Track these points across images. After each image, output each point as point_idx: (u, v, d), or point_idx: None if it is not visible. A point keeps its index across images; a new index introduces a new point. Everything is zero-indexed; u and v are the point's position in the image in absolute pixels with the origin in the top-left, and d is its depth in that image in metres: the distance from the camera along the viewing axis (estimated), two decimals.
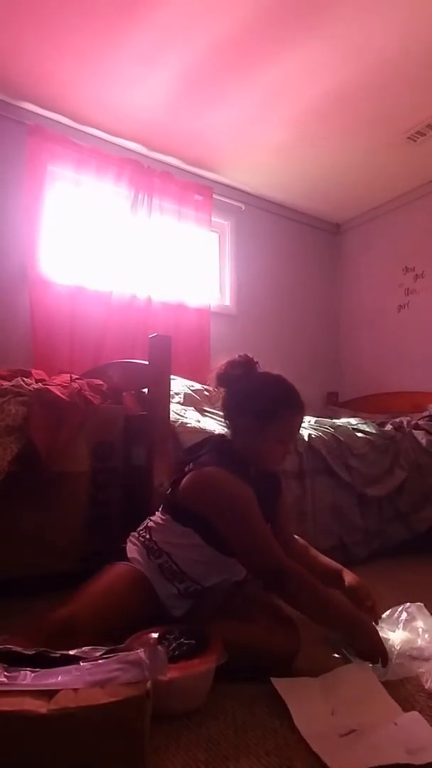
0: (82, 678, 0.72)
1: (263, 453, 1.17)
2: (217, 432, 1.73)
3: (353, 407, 3.39)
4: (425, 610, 1.26)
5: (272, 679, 0.98)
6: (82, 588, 1.08)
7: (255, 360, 1.24)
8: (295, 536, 1.38)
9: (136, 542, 1.20)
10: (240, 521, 1.05)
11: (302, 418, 1.21)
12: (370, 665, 1.04)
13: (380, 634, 1.10)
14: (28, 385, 1.56)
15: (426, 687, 1.01)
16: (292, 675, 1.02)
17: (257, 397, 1.17)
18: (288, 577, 1.01)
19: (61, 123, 2.60)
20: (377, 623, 1.16)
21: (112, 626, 0.98)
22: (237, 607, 1.09)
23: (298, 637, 1.07)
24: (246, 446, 1.18)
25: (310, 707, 0.92)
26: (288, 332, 3.55)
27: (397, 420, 2.52)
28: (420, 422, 2.50)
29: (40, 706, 0.67)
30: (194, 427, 1.71)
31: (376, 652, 1.02)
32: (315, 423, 2.26)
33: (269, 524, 1.15)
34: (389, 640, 1.15)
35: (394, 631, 1.19)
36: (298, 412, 1.19)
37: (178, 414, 1.80)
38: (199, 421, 1.82)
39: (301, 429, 1.78)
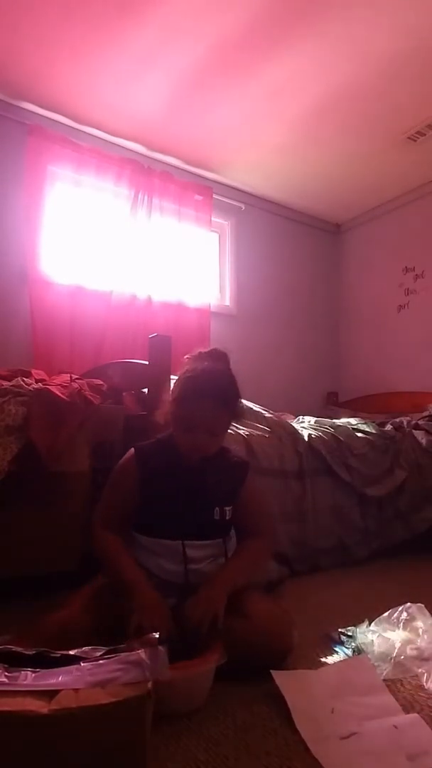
0: (83, 678, 0.72)
1: (177, 440, 1.15)
2: None
3: (353, 407, 3.39)
4: (425, 611, 1.26)
5: (272, 671, 0.98)
6: (76, 592, 1.10)
7: (219, 353, 1.21)
8: (263, 537, 1.23)
9: None
10: (106, 487, 1.20)
11: (205, 408, 1.09)
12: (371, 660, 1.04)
13: (381, 634, 1.10)
14: (28, 385, 1.56)
15: (426, 687, 1.01)
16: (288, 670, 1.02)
17: (175, 384, 1.17)
18: (92, 541, 1.12)
19: (61, 123, 2.60)
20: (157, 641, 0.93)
21: (106, 627, 0.99)
22: (231, 604, 1.09)
23: (293, 633, 1.08)
24: (174, 433, 1.18)
25: (310, 705, 0.92)
26: (288, 332, 3.55)
27: (397, 420, 2.52)
28: (420, 422, 2.50)
29: (41, 707, 0.67)
30: None
31: (144, 618, 0.95)
32: (315, 423, 2.26)
33: (231, 510, 1.16)
34: (389, 639, 1.15)
35: (394, 631, 1.19)
36: (198, 399, 1.09)
37: None
38: None
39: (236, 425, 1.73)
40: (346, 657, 1.09)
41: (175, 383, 1.17)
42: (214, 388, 1.11)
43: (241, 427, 1.86)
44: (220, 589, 1.04)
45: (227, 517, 1.16)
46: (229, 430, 1.55)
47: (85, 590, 1.10)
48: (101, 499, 1.20)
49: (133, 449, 1.20)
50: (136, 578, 1.05)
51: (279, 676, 0.98)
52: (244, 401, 2.04)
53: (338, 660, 1.14)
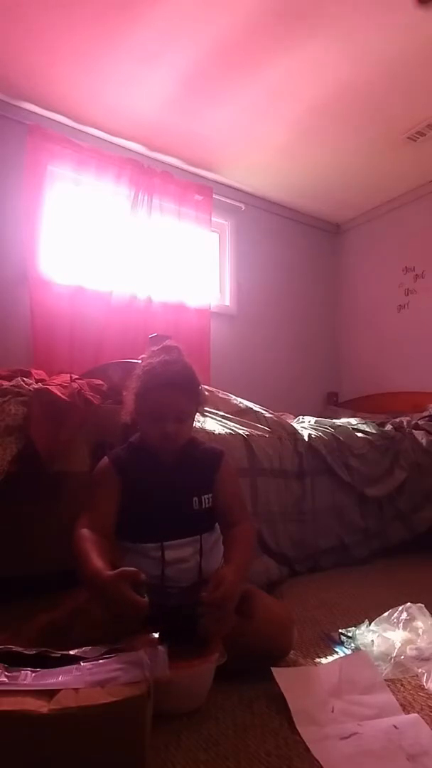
0: (83, 678, 0.72)
1: (146, 433, 1.18)
2: (217, 432, 1.73)
3: (353, 407, 3.39)
4: (425, 611, 1.27)
5: (272, 668, 0.98)
6: (69, 593, 1.10)
7: (171, 347, 1.23)
8: (245, 523, 1.23)
9: None
10: (87, 497, 1.17)
11: (169, 395, 1.13)
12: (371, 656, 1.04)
13: (381, 634, 1.10)
14: (28, 385, 1.56)
15: (426, 687, 1.01)
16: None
17: (134, 380, 1.19)
18: (73, 536, 1.06)
19: (60, 123, 2.60)
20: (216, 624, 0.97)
21: (99, 627, 0.98)
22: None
23: (293, 631, 1.09)
24: (140, 431, 1.20)
25: (310, 704, 0.92)
26: (288, 332, 3.55)
27: (397, 420, 2.53)
28: (420, 422, 2.50)
29: (40, 706, 0.67)
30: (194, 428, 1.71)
31: (112, 611, 0.89)
32: (315, 423, 2.26)
33: (211, 497, 1.17)
34: (389, 639, 1.15)
35: (394, 631, 1.19)
36: (162, 388, 1.13)
37: None
38: (198, 422, 1.82)
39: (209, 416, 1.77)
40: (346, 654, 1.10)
41: (132, 380, 1.19)
42: (175, 375, 1.15)
43: (240, 427, 1.86)
44: (233, 588, 0.99)
45: (207, 505, 1.15)
46: (227, 430, 1.56)
47: (80, 592, 1.10)
48: (86, 503, 1.15)
49: (107, 457, 1.18)
50: (92, 574, 0.93)
51: (279, 674, 0.98)
52: (243, 401, 2.05)
53: (339, 657, 1.14)
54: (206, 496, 1.17)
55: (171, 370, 1.15)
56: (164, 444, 1.14)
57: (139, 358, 1.27)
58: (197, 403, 1.21)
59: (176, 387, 1.14)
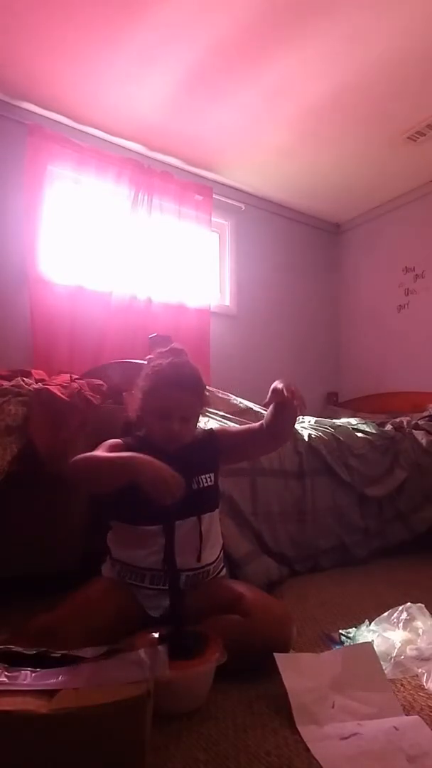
0: (83, 678, 0.72)
1: (152, 430, 1.21)
2: None
3: (353, 407, 3.39)
4: (425, 611, 1.26)
5: (275, 654, 0.98)
6: (68, 595, 1.10)
7: (179, 350, 1.29)
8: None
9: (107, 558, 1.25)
10: None
11: (178, 396, 1.19)
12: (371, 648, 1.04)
13: (381, 634, 1.10)
14: (28, 385, 1.56)
15: (426, 687, 1.01)
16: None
17: (143, 379, 1.23)
18: (69, 471, 1.10)
19: (60, 123, 2.60)
20: (300, 413, 1.18)
21: (94, 629, 0.99)
22: (229, 602, 1.09)
23: (292, 629, 1.09)
24: (145, 429, 1.25)
25: (310, 699, 0.92)
26: (288, 332, 3.55)
27: (397, 420, 2.52)
28: (420, 422, 2.50)
29: (40, 706, 0.67)
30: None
31: (158, 481, 0.98)
32: (315, 423, 2.26)
33: (213, 476, 1.24)
34: (389, 639, 1.15)
35: (394, 631, 1.19)
36: (171, 388, 1.18)
37: None
38: (200, 422, 1.82)
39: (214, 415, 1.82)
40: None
41: (142, 378, 1.24)
42: (183, 376, 1.21)
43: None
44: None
45: (206, 484, 1.21)
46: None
47: (78, 595, 1.10)
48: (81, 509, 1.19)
49: (120, 440, 1.21)
50: (128, 456, 1.05)
51: (282, 659, 0.97)
52: (243, 401, 2.05)
53: (341, 647, 1.14)
54: (205, 476, 1.22)
55: (180, 372, 1.21)
56: (169, 441, 1.18)
57: (146, 358, 1.31)
58: (202, 404, 1.27)
59: (184, 387, 1.20)
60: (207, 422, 1.81)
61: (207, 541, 1.18)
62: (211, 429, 1.37)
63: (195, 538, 1.16)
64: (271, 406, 1.21)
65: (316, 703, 0.91)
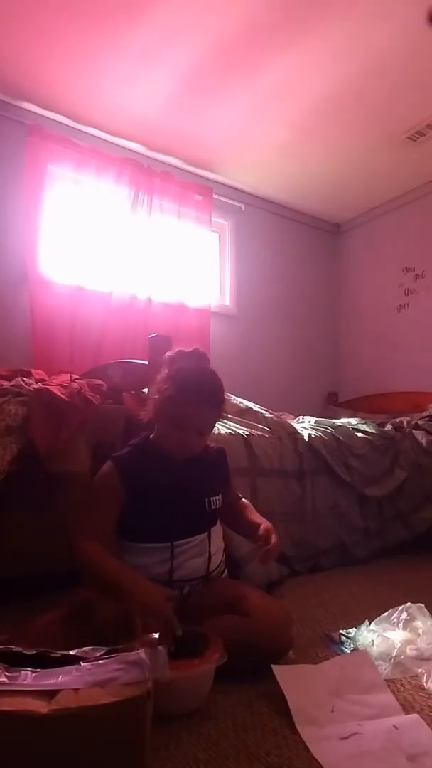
0: (83, 678, 0.72)
1: (163, 438, 1.16)
2: (217, 432, 1.73)
3: (353, 407, 3.39)
4: (425, 611, 1.27)
5: (272, 666, 0.98)
6: (65, 598, 1.08)
7: (202, 354, 1.22)
8: (241, 497, 1.35)
9: None
10: (86, 502, 1.18)
11: (202, 411, 1.14)
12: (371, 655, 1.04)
13: (381, 634, 1.10)
14: (28, 385, 1.56)
15: (426, 687, 1.01)
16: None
17: (164, 382, 1.16)
18: (76, 552, 1.06)
19: (60, 123, 2.60)
20: (268, 562, 1.15)
21: (87, 638, 0.98)
22: (229, 602, 1.09)
23: (292, 630, 1.09)
24: (157, 433, 1.19)
25: (310, 702, 0.92)
26: (288, 332, 3.55)
27: (397, 420, 2.53)
28: (420, 422, 2.50)
29: (40, 706, 0.67)
30: None
31: (149, 614, 0.93)
32: (315, 423, 2.26)
33: (224, 495, 1.24)
34: (389, 639, 1.15)
35: (394, 631, 1.19)
36: (197, 402, 1.12)
37: None
38: None
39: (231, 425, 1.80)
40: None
41: (164, 381, 1.15)
42: (211, 392, 1.16)
43: (240, 427, 1.86)
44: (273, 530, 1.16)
45: (216, 506, 1.20)
46: (227, 430, 1.57)
47: (75, 598, 1.09)
48: (86, 512, 1.15)
49: (111, 462, 1.16)
50: (128, 576, 1.01)
51: (279, 671, 0.98)
52: (243, 401, 2.05)
53: (339, 655, 1.14)
54: (216, 497, 1.20)
55: (204, 382, 1.15)
56: (180, 452, 1.15)
57: (167, 356, 1.21)
58: (220, 417, 1.25)
59: (205, 401, 1.14)
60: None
61: (214, 550, 1.18)
62: (222, 448, 1.32)
63: (204, 549, 1.15)
64: (253, 532, 1.19)
65: (315, 707, 0.92)
